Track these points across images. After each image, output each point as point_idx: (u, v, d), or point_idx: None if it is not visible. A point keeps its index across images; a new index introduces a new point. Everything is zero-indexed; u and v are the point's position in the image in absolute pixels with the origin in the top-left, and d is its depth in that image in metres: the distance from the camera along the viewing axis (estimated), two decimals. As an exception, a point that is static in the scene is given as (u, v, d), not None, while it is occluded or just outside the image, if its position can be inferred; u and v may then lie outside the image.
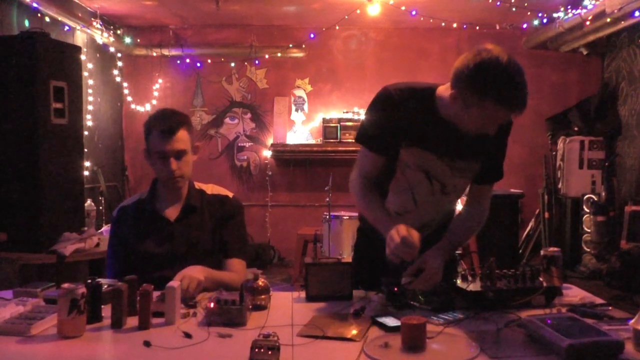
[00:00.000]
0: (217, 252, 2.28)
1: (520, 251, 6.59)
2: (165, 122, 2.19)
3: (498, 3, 5.59)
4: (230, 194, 2.38)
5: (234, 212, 2.34)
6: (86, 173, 5.02)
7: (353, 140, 5.78)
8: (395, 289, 1.90)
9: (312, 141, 6.92)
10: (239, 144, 7.16)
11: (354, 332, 1.68)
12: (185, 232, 2.25)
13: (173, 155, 2.18)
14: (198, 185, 2.36)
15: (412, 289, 1.91)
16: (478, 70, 1.72)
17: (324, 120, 6.73)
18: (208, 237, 2.27)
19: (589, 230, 6.05)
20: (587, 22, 5.46)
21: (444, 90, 1.89)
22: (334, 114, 6.84)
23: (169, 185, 2.25)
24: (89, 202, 4.95)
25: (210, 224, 2.28)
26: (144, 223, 2.27)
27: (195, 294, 1.99)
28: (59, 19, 5.15)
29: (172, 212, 2.27)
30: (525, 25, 6.45)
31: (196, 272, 2.05)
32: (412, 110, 1.92)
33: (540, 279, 1.99)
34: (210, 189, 2.37)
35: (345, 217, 4.95)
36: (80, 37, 5.82)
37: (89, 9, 5.89)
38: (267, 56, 6.91)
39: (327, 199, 4.89)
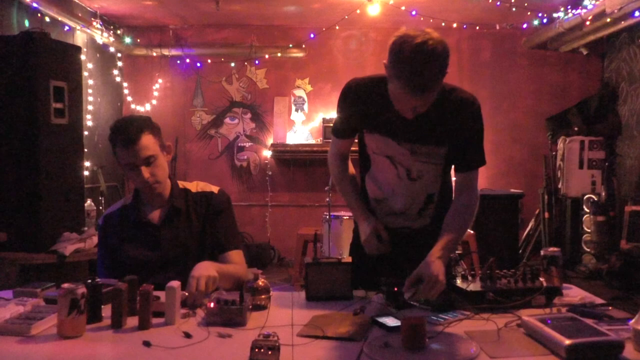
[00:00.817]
0: (208, 250, 2.24)
1: (520, 251, 6.59)
2: (125, 132, 2.11)
3: (498, 3, 5.59)
4: (216, 189, 2.33)
5: (222, 207, 2.29)
6: (86, 173, 5.02)
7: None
8: (395, 288, 1.90)
9: (312, 141, 6.92)
10: (239, 144, 7.16)
11: (354, 332, 1.68)
12: (173, 235, 2.21)
13: (142, 164, 2.12)
14: (182, 184, 2.31)
15: (417, 300, 1.89)
16: (394, 45, 1.80)
17: (324, 120, 6.74)
18: (197, 238, 2.24)
19: (589, 230, 6.05)
20: (587, 22, 5.46)
21: None
22: (334, 114, 6.78)
23: (148, 193, 2.21)
24: (89, 202, 4.94)
25: (197, 224, 2.25)
26: (130, 229, 2.23)
27: (209, 291, 1.96)
28: (59, 19, 5.15)
29: (157, 216, 2.23)
30: (525, 25, 6.45)
31: (208, 269, 2.01)
32: (370, 99, 2.04)
33: (540, 279, 1.99)
34: (195, 186, 2.32)
35: (345, 217, 4.94)
36: (80, 37, 5.82)
37: (89, 9, 5.89)
38: (267, 56, 6.91)
39: (327, 199, 4.89)
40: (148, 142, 2.13)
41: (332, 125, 2.28)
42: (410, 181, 2.10)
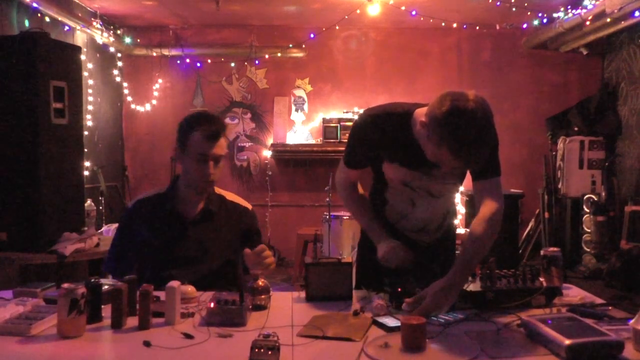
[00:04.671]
0: (229, 257, 2.28)
1: (520, 251, 6.59)
2: (211, 125, 2.21)
3: (498, 3, 5.59)
4: (250, 206, 2.41)
5: (256, 227, 2.39)
6: (86, 173, 5.02)
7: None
8: (400, 289, 1.90)
9: (312, 141, 6.92)
10: (239, 144, 7.16)
11: (354, 332, 1.68)
12: (200, 235, 2.25)
13: (213, 159, 2.21)
14: (218, 190, 2.37)
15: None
16: (446, 116, 1.75)
17: (324, 120, 6.73)
18: (223, 245, 2.27)
19: (589, 230, 6.05)
20: (587, 22, 5.45)
21: (421, 113, 1.93)
22: (334, 114, 6.84)
23: (199, 189, 2.26)
24: (89, 202, 4.94)
25: (227, 232, 2.29)
26: (160, 220, 2.26)
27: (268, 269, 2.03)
28: (59, 19, 5.14)
29: (190, 213, 2.28)
30: (525, 25, 6.45)
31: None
32: (387, 132, 2.01)
33: (540, 279, 1.99)
34: (230, 196, 2.40)
35: (345, 217, 4.95)
36: (80, 37, 5.81)
37: (89, 9, 5.89)
38: (267, 56, 6.91)
39: (327, 199, 4.90)
40: (224, 142, 2.25)
41: (345, 156, 2.18)
42: (432, 198, 2.12)
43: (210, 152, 2.19)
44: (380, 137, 2.02)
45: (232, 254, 2.30)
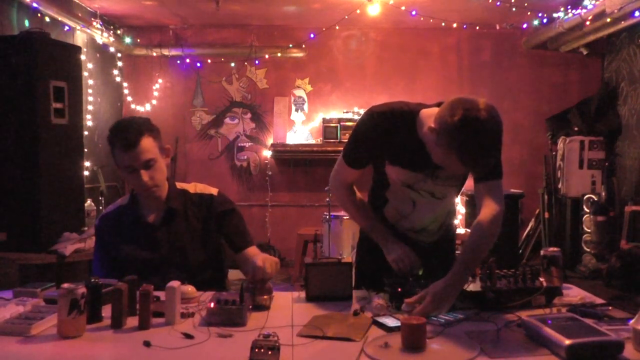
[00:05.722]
0: (210, 251, 2.25)
1: (520, 251, 6.59)
2: (125, 135, 2.09)
3: (498, 3, 5.59)
4: (215, 191, 2.31)
5: (227, 208, 2.29)
6: (86, 173, 5.02)
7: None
8: (399, 289, 1.90)
9: (312, 141, 6.92)
10: (239, 144, 7.16)
11: (354, 332, 1.68)
12: (170, 236, 2.20)
13: (141, 167, 2.10)
14: (180, 185, 2.30)
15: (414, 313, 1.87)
16: (458, 126, 1.75)
17: (324, 120, 6.73)
18: (197, 240, 2.23)
19: (589, 230, 6.05)
20: (587, 22, 5.45)
21: (428, 115, 1.93)
22: (334, 114, 6.84)
23: (146, 196, 2.20)
24: (89, 202, 4.94)
25: (197, 225, 2.24)
26: (127, 230, 2.22)
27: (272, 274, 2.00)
28: (59, 19, 5.15)
29: (154, 217, 2.23)
30: (525, 25, 6.45)
31: (270, 257, 2.07)
32: (392, 132, 2.00)
33: (540, 279, 1.99)
34: (193, 188, 2.31)
35: (345, 217, 4.94)
36: (80, 37, 5.81)
37: (89, 9, 5.89)
38: (267, 56, 6.91)
39: (327, 199, 4.89)
40: (148, 145, 2.11)
41: (346, 153, 2.13)
42: (434, 199, 2.12)
43: (134, 163, 2.09)
44: (385, 135, 2.00)
45: (214, 248, 2.26)
